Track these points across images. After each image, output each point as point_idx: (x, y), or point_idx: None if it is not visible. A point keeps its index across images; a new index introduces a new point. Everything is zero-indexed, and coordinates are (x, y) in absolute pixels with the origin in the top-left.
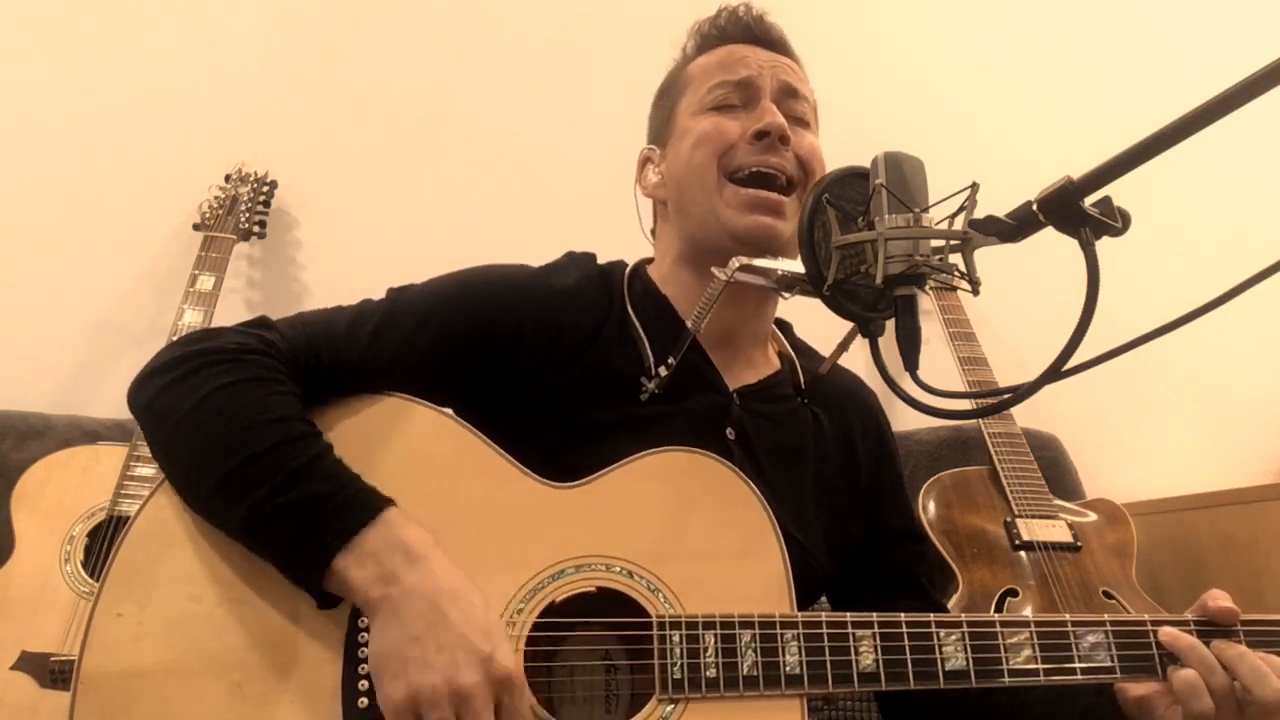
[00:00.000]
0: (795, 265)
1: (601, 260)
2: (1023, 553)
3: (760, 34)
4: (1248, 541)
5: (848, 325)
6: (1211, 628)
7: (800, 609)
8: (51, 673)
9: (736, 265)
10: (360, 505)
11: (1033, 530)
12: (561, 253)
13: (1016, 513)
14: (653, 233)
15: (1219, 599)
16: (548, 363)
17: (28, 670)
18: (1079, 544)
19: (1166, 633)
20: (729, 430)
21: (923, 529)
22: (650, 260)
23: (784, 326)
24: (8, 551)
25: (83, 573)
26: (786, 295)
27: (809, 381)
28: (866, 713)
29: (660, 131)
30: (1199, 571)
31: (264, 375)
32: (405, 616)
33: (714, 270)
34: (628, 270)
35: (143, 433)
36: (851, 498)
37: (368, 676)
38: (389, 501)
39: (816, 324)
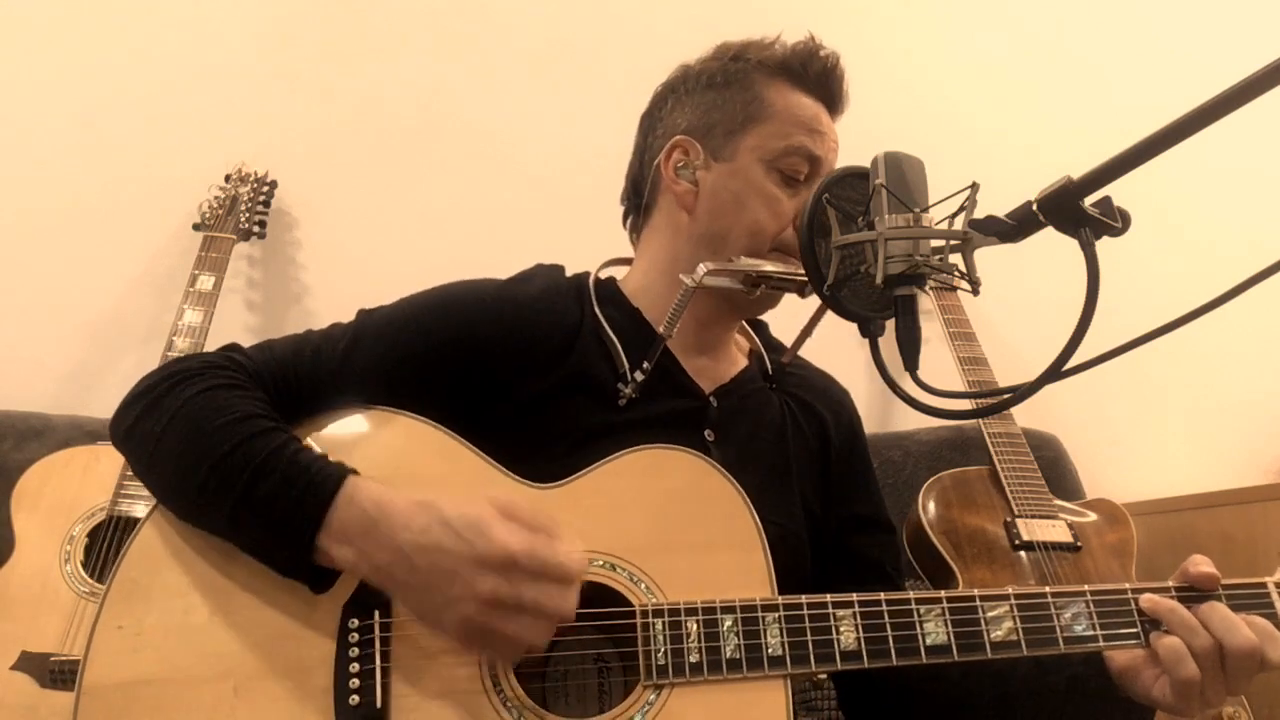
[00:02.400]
0: (759, 263)
1: (591, 269)
2: (1023, 553)
3: (837, 104)
4: (1248, 541)
5: (842, 322)
6: (1193, 594)
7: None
8: (51, 673)
9: (704, 270)
10: (320, 485)
11: (1033, 530)
12: (562, 252)
13: (1016, 513)
14: (642, 209)
15: (1200, 564)
16: (520, 374)
17: (28, 670)
18: (1079, 544)
19: (1147, 598)
20: (707, 432)
21: (889, 521)
22: (618, 261)
23: (757, 324)
24: (8, 551)
25: (83, 573)
26: (755, 293)
27: (776, 371)
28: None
29: (712, 133)
30: None
31: (224, 383)
32: (401, 581)
33: (682, 276)
34: (591, 281)
35: (128, 462)
36: (823, 482)
37: (358, 675)
38: (346, 472)
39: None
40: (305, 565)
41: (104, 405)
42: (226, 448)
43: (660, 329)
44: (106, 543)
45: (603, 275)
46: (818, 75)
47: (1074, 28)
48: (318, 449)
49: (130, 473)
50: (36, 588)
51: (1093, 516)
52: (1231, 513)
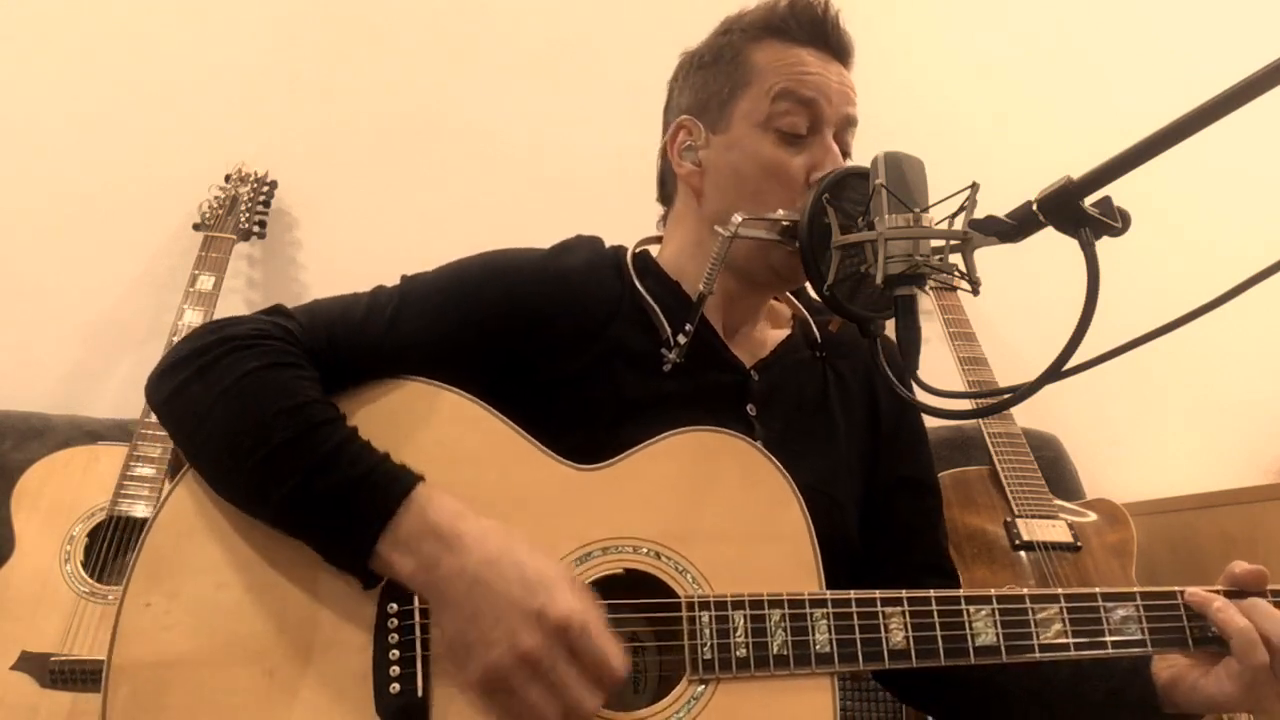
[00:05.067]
0: (796, 214)
1: None
2: (1023, 553)
3: (835, 46)
4: (1248, 541)
5: None
6: (1241, 595)
7: (835, 571)
8: (51, 673)
9: (739, 220)
10: (388, 488)
11: (1033, 530)
12: None
13: (1016, 513)
14: (663, 201)
15: (1243, 565)
16: (566, 343)
17: (28, 670)
18: (1079, 544)
19: (1191, 592)
20: (750, 407)
21: (937, 484)
22: (652, 239)
23: (796, 289)
24: (8, 551)
25: (83, 573)
26: (791, 245)
27: (824, 337)
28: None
29: (707, 108)
30: (1199, 571)
31: (283, 361)
32: (453, 602)
33: (716, 228)
34: (629, 254)
35: (165, 428)
36: (874, 447)
37: (399, 662)
38: (417, 479)
39: None
40: (360, 567)
41: (104, 405)
42: (286, 435)
43: (700, 285)
44: (106, 543)
45: (637, 251)
46: (805, 23)
47: (1074, 28)
48: (375, 440)
49: (130, 473)
50: (36, 588)
51: (1093, 516)
52: (1231, 513)
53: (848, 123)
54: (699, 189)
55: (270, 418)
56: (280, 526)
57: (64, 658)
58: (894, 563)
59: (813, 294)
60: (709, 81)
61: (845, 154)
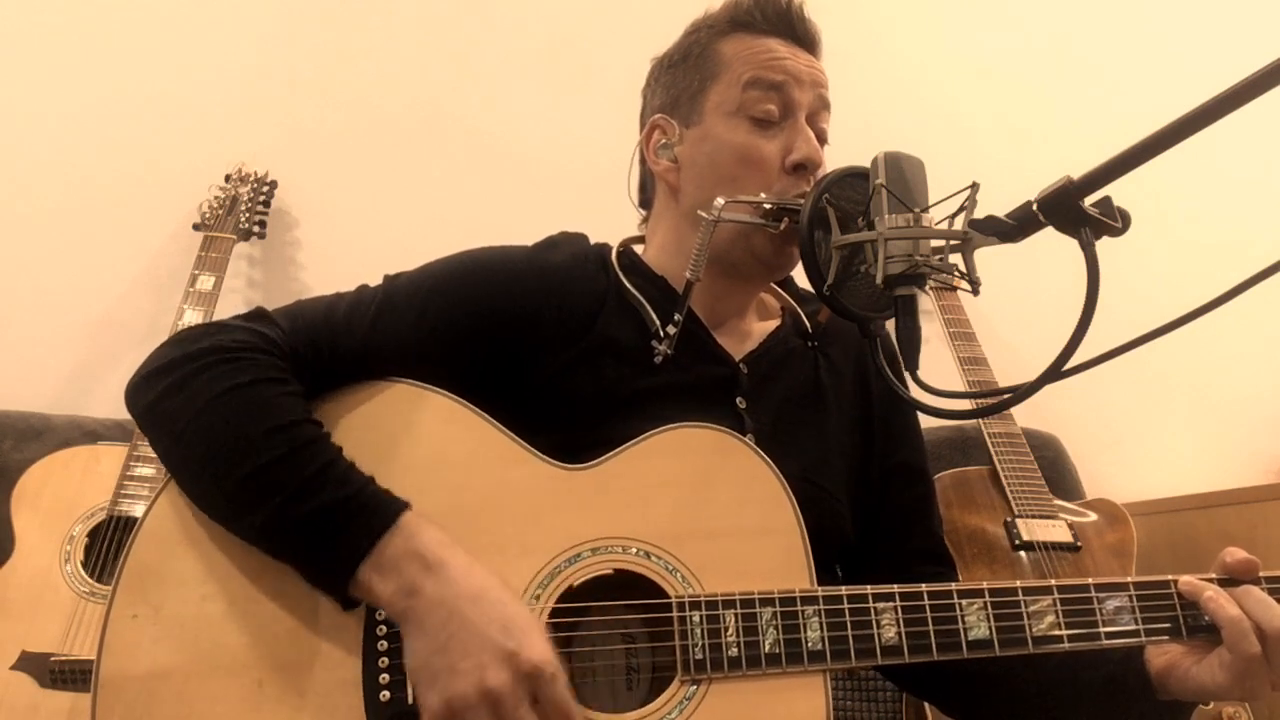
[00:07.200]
0: (778, 198)
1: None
2: (1023, 553)
3: (801, 35)
4: (1248, 541)
5: None
6: (1235, 583)
7: (828, 561)
8: (51, 673)
9: (721, 204)
10: (376, 511)
11: (1033, 530)
12: None
13: (1016, 513)
14: (644, 205)
15: (1236, 554)
16: (552, 341)
17: (28, 670)
18: (1079, 544)
19: (1185, 580)
20: (739, 400)
21: (928, 470)
22: (635, 240)
23: (783, 280)
24: (8, 551)
25: (83, 573)
26: (775, 227)
27: (815, 326)
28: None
29: (679, 104)
30: (1199, 571)
31: (268, 376)
32: (429, 628)
33: (699, 213)
34: (614, 251)
35: (145, 436)
36: (868, 434)
37: (388, 670)
38: (405, 505)
39: None
40: (340, 589)
41: (104, 405)
42: (271, 455)
43: (687, 273)
44: (106, 543)
45: (621, 249)
46: (770, 15)
47: (1074, 27)
48: (360, 444)
49: (130, 473)
50: (36, 588)
51: (1093, 516)
52: (1231, 513)
53: (821, 104)
54: (676, 185)
55: (254, 436)
56: (260, 545)
57: (64, 658)
58: (890, 550)
59: (800, 284)
60: (679, 79)
61: (821, 139)
